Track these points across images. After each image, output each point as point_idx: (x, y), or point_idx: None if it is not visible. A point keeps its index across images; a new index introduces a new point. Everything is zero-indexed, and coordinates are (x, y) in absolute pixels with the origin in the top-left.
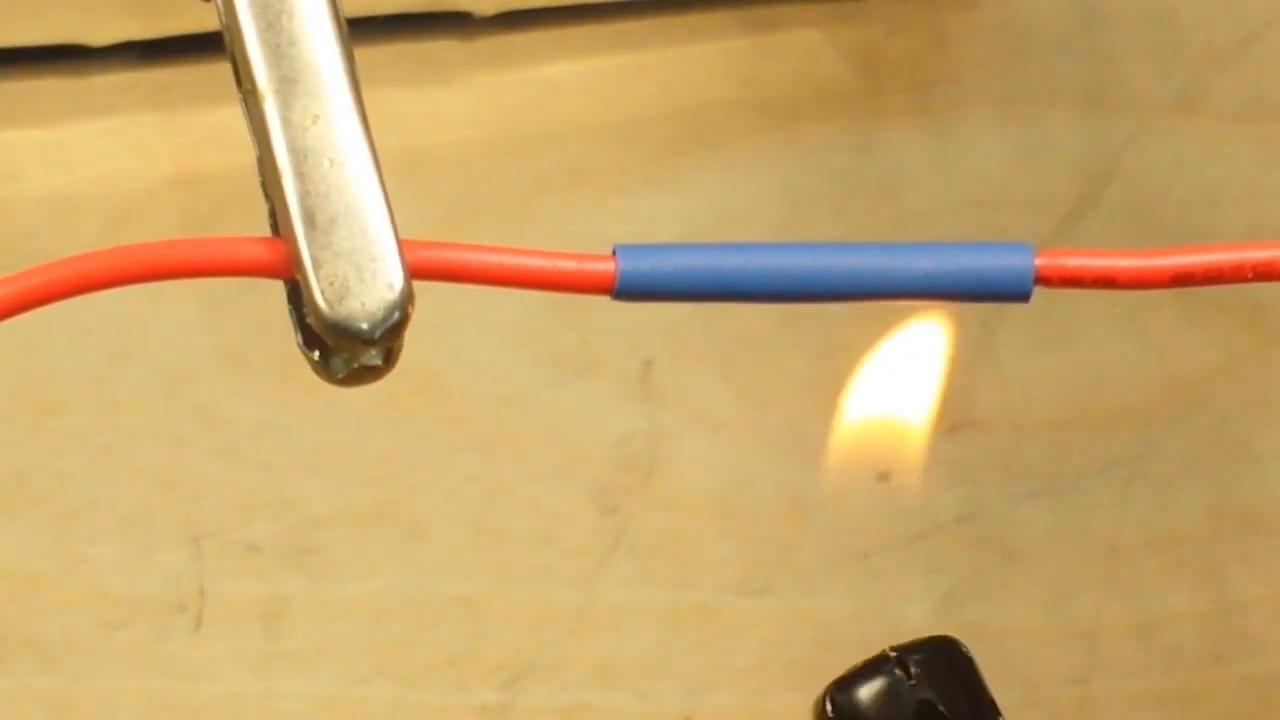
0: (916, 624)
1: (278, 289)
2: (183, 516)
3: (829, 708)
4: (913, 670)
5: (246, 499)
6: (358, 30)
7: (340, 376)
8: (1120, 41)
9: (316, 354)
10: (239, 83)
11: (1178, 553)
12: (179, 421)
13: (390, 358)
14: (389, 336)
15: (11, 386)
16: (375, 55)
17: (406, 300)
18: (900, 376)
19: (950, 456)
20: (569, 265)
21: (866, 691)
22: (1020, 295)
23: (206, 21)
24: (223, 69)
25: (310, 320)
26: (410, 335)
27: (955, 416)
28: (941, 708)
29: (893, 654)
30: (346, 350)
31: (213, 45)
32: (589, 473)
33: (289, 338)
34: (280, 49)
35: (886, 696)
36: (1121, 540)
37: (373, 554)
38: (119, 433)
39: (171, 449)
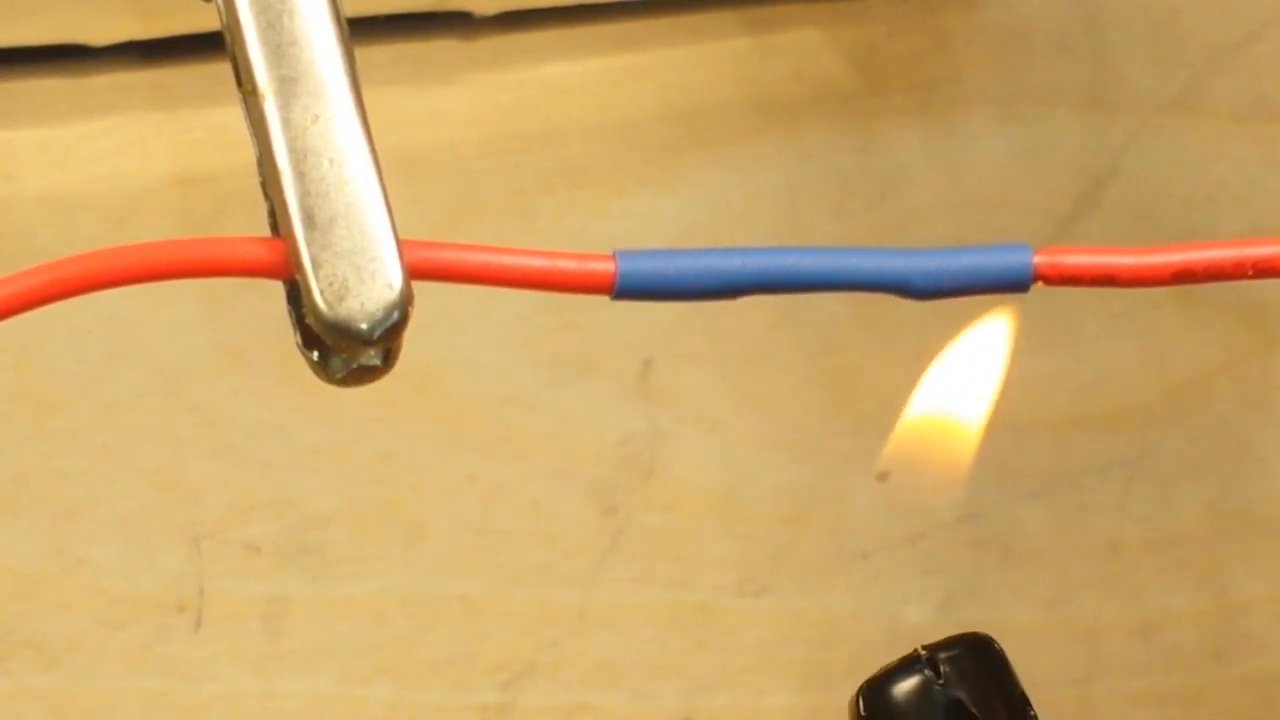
0: (916, 624)
1: (278, 289)
2: (183, 516)
3: (861, 707)
4: (943, 669)
5: (246, 499)
6: (358, 30)
7: (339, 377)
8: (1120, 41)
9: (316, 354)
10: (239, 83)
11: (1178, 553)
12: (179, 421)
13: (389, 358)
14: (388, 336)
15: (11, 386)
16: (375, 55)
17: (406, 300)
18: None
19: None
20: (569, 265)
21: (898, 691)
22: (1020, 288)
23: (207, 21)
24: (223, 69)
25: (309, 320)
26: (410, 335)
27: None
28: (971, 707)
29: (924, 653)
30: (346, 350)
31: (213, 45)
32: (589, 473)
33: (289, 338)
34: (281, 49)
35: (918, 696)
36: (1121, 540)
37: (373, 554)
38: (119, 433)
39: (171, 449)
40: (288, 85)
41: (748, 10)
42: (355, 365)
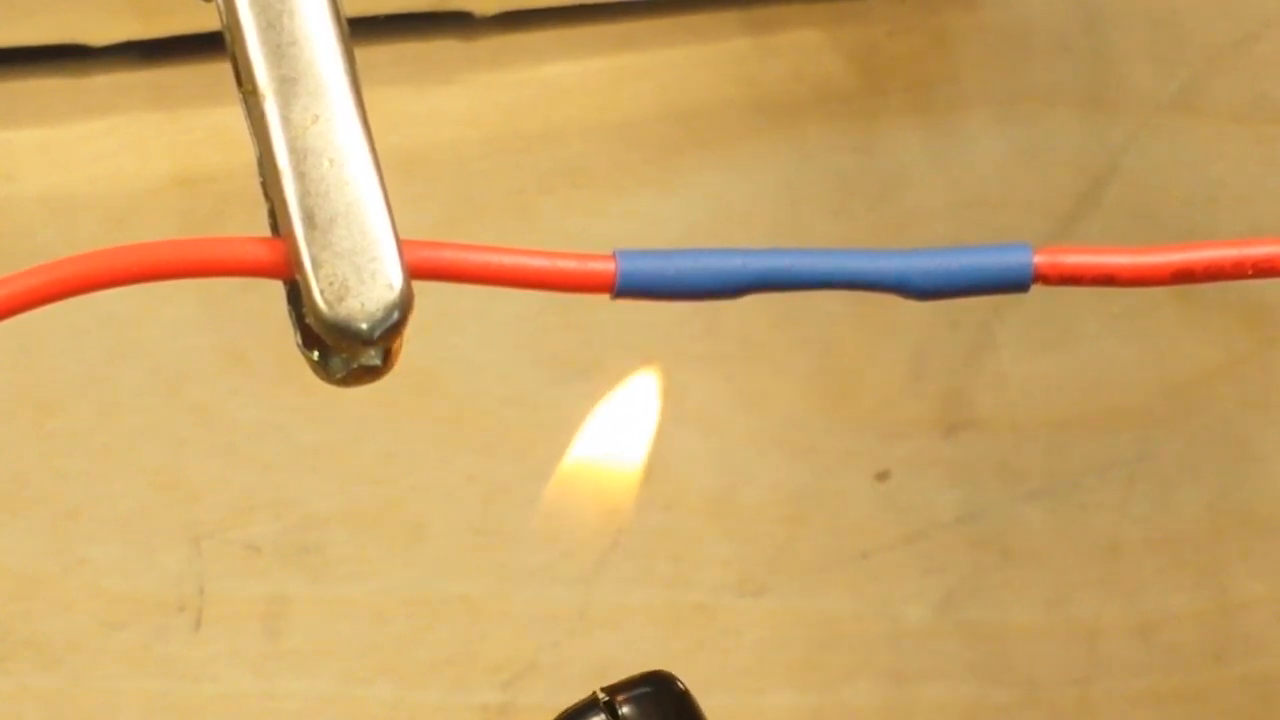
0: (916, 624)
1: (278, 289)
2: (183, 516)
3: None
4: (623, 711)
5: (246, 499)
6: (358, 30)
7: (339, 377)
8: (1120, 41)
9: (316, 354)
10: (239, 83)
11: (1178, 553)
12: (179, 421)
13: (389, 358)
14: (388, 336)
15: (11, 386)
16: (375, 55)
17: (406, 300)
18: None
19: (950, 456)
20: (569, 265)
21: None
22: (1020, 288)
23: (207, 21)
24: (223, 69)
25: (310, 320)
26: (410, 335)
27: (955, 416)
28: None
29: (603, 695)
30: (346, 350)
31: (213, 45)
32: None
33: (289, 338)
34: (281, 49)
35: None
36: (1121, 540)
37: (373, 554)
38: (119, 433)
39: (171, 449)
40: (288, 85)
41: (748, 10)
42: (355, 365)
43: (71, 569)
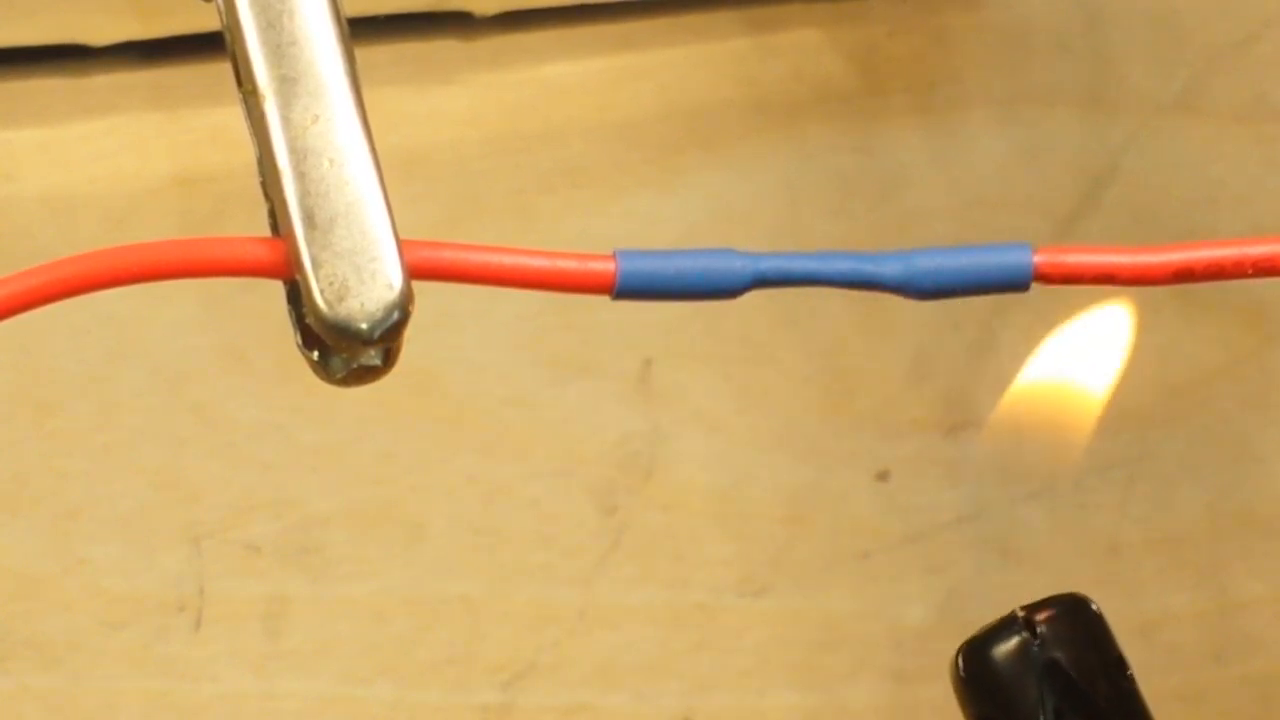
0: (916, 624)
1: (278, 289)
2: (183, 516)
3: (961, 668)
4: (1040, 630)
5: (246, 499)
6: (358, 30)
7: (340, 376)
8: (1120, 41)
9: (316, 354)
10: (239, 83)
11: (1178, 553)
12: (179, 421)
13: (389, 358)
14: (388, 336)
15: (11, 386)
16: (375, 55)
17: (406, 300)
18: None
19: (951, 456)
20: (569, 265)
21: (997, 652)
22: (1020, 288)
23: (207, 21)
24: (223, 69)
25: (310, 320)
26: (410, 335)
27: (955, 416)
28: (1069, 668)
29: (1021, 614)
30: (346, 350)
31: (213, 45)
32: (589, 473)
33: (289, 338)
34: (281, 49)
35: (1016, 657)
36: (1121, 540)
37: (373, 554)
38: (119, 433)
39: (171, 449)
40: (288, 85)
41: (748, 10)
42: (355, 365)
43: (71, 569)
